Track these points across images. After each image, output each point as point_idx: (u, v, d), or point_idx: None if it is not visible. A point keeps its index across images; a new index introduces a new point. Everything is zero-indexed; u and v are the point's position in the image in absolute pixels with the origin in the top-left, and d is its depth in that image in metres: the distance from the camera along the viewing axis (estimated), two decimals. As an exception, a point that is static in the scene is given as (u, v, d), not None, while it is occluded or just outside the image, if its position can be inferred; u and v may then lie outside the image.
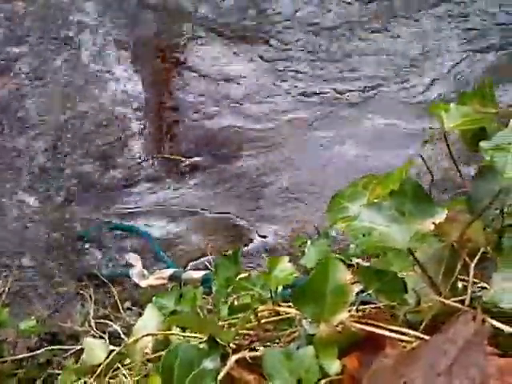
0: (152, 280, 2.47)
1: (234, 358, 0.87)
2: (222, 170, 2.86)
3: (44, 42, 3.22)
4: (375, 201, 0.98)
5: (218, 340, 0.89)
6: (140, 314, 2.55)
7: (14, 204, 2.91)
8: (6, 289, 2.66)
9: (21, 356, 2.04)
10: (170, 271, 2.41)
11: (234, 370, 0.89)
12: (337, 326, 0.90)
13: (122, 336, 2.31)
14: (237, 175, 2.85)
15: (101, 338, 2.42)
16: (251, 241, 2.69)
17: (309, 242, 1.65)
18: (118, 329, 2.37)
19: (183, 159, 2.90)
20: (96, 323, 2.47)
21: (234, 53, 3.17)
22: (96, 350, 1.19)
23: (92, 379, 1.12)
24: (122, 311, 2.60)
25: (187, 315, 0.86)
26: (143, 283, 2.49)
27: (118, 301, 2.61)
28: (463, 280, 0.96)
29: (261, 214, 2.73)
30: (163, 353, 1.14)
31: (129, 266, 2.64)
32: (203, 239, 2.75)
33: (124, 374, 1.11)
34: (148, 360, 1.14)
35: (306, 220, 2.67)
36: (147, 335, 1.15)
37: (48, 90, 3.12)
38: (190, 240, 2.77)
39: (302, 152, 2.87)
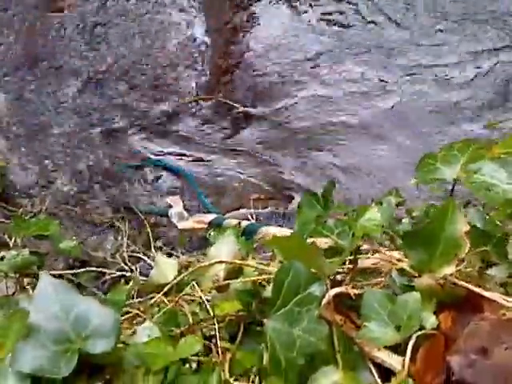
0: (191, 223, 2.44)
1: (333, 291, 0.83)
2: (274, 123, 2.81)
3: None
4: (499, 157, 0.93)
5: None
6: (170, 255, 2.56)
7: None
8: (43, 208, 2.65)
9: (61, 272, 2.02)
10: (211, 216, 2.38)
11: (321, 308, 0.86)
12: (440, 279, 0.86)
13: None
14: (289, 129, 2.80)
15: (131, 271, 2.42)
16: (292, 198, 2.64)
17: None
18: (152, 264, 2.37)
19: (239, 106, 2.84)
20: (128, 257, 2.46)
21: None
22: (166, 268, 1.16)
23: (159, 295, 1.10)
24: (152, 249, 2.58)
25: (294, 238, 0.82)
26: (181, 225, 2.46)
27: (151, 238, 2.59)
28: None
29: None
30: (233, 281, 1.11)
31: (169, 205, 2.60)
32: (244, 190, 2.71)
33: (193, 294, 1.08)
34: (218, 288, 1.11)
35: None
36: (220, 262, 1.12)
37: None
38: (229, 186, 2.73)
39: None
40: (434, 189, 1.52)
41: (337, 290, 0.83)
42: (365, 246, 1.13)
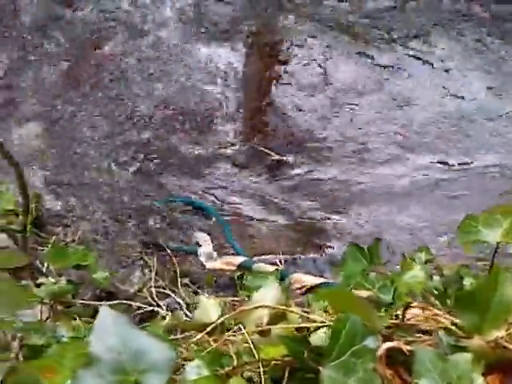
0: (220, 263, 2.46)
1: (386, 345, 0.85)
2: (307, 172, 2.85)
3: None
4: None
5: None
6: (196, 293, 2.58)
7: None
8: (76, 238, 2.70)
9: (91, 302, 2.05)
10: (240, 259, 2.40)
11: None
12: (491, 342, 0.88)
13: (184, 310, 2.32)
14: (322, 181, 2.84)
15: (158, 306, 2.44)
16: (326, 247, 2.66)
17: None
18: (181, 302, 2.39)
19: (272, 154, 2.90)
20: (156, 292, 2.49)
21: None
22: (210, 308, 1.19)
23: (203, 334, 1.12)
24: (179, 286, 2.60)
25: (341, 291, 0.84)
26: (210, 265, 2.49)
27: (178, 275, 2.61)
28: None
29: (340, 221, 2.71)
30: (276, 327, 1.13)
31: (197, 244, 2.63)
32: (273, 235, 2.74)
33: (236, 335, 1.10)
34: (261, 331, 1.13)
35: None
36: (265, 306, 1.14)
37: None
38: (260, 232, 2.76)
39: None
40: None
41: (390, 344, 0.85)
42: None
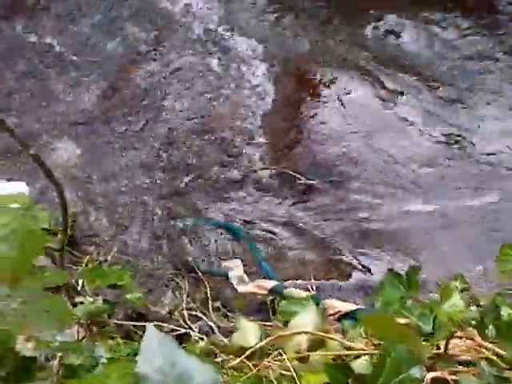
0: (251, 287, 2.47)
1: (431, 374, 0.85)
2: (336, 197, 2.86)
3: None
4: None
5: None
6: (227, 316, 2.58)
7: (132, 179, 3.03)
8: (109, 257, 2.74)
9: (124, 322, 2.07)
10: (272, 283, 2.41)
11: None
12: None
13: (217, 333, 2.33)
14: (348, 207, 2.84)
15: (190, 329, 2.45)
16: (349, 275, 2.65)
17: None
18: (213, 325, 2.40)
19: (301, 178, 2.92)
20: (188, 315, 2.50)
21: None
22: (248, 332, 1.20)
23: (240, 359, 1.13)
24: (210, 309, 2.60)
25: (386, 318, 0.84)
26: (241, 288, 2.50)
27: (210, 298, 2.62)
28: None
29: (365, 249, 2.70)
30: (316, 353, 1.14)
31: (229, 267, 2.65)
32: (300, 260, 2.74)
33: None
34: (300, 358, 1.13)
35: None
36: (305, 333, 1.15)
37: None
38: (287, 256, 2.76)
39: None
40: (505, 278, 1.52)
41: (435, 374, 0.85)
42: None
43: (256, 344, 1.18)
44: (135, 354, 1.94)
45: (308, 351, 1.15)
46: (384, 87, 3.27)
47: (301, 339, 1.16)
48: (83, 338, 1.81)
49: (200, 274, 2.68)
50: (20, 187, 0.82)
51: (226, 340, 1.82)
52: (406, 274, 1.19)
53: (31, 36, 3.66)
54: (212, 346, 1.46)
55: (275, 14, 3.65)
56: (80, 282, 2.22)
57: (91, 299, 1.76)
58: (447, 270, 2.37)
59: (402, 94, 3.24)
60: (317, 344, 1.16)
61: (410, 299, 1.24)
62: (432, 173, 2.95)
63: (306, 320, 1.20)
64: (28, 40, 3.64)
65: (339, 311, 1.97)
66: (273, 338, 1.16)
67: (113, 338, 2.03)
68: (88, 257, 2.71)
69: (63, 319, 1.01)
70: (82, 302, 1.78)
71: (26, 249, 0.77)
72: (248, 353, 1.16)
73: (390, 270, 1.22)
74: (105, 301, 1.83)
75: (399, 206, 2.85)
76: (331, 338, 1.13)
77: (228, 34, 3.58)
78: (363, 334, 1.34)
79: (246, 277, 2.54)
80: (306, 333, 1.15)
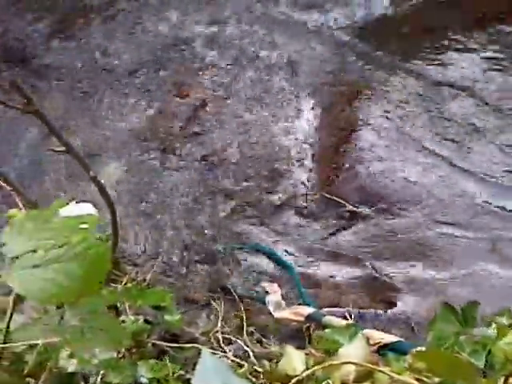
0: (288, 313, 2.46)
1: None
2: (381, 224, 2.85)
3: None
4: None
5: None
6: (260, 342, 2.57)
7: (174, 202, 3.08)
8: (148, 278, 2.77)
9: (161, 343, 2.08)
10: (309, 310, 2.39)
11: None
12: None
13: (252, 358, 2.32)
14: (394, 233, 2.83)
15: (224, 352, 2.45)
16: (394, 304, 2.61)
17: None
18: (248, 350, 2.38)
19: (346, 204, 2.91)
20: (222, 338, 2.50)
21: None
22: (295, 360, 1.20)
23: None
24: (245, 333, 2.60)
25: (444, 353, 0.84)
26: (278, 314, 2.49)
27: (245, 322, 2.61)
28: None
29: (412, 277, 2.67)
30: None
31: (266, 292, 2.64)
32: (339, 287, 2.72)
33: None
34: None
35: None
36: (353, 363, 1.15)
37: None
38: (327, 282, 2.75)
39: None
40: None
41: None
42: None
43: (303, 372, 1.18)
44: (173, 374, 1.94)
45: (355, 382, 1.14)
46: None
47: (349, 369, 1.16)
48: (123, 357, 1.83)
49: (236, 297, 2.68)
50: (88, 208, 0.85)
51: (267, 365, 1.81)
52: (463, 309, 1.18)
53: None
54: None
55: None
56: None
57: (133, 318, 1.78)
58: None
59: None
60: (365, 375, 1.15)
61: (464, 335, 1.22)
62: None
63: (352, 350, 1.20)
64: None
65: (379, 342, 1.94)
66: (320, 366, 1.15)
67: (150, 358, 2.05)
68: (127, 276, 2.74)
69: (118, 339, 1.03)
70: (123, 321, 1.80)
71: (95, 269, 0.80)
72: (294, 381, 1.16)
73: (445, 304, 1.21)
74: (145, 321, 1.86)
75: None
76: (380, 371, 1.12)
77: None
78: (408, 367, 1.33)
79: (283, 302, 2.54)
80: (355, 364, 1.14)
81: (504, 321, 1.78)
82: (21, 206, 1.88)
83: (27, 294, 0.89)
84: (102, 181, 3.04)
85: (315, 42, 3.70)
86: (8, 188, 1.93)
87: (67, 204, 0.92)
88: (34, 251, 0.84)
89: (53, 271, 0.83)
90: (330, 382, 1.11)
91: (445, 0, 3.74)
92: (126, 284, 2.55)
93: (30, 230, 0.86)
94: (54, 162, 3.20)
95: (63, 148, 1.14)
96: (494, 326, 1.95)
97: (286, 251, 2.85)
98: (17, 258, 0.86)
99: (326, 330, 1.54)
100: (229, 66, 3.63)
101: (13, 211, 1.55)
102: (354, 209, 2.91)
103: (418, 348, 1.19)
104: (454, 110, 3.27)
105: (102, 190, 1.20)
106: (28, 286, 0.86)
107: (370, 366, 1.14)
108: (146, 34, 3.87)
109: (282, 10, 3.87)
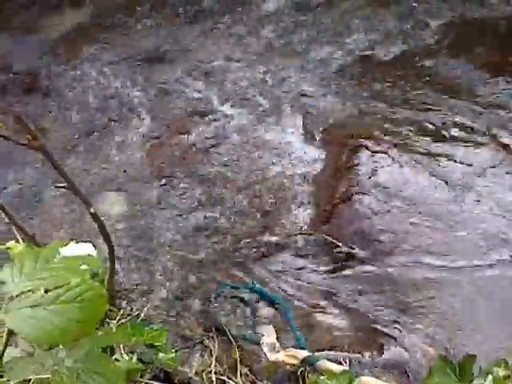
0: (282, 356, 2.43)
1: None
2: (375, 268, 2.84)
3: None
4: None
5: None
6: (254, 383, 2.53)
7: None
8: (141, 314, 2.74)
9: (153, 382, 2.05)
10: (304, 353, 2.36)
11: None
12: None
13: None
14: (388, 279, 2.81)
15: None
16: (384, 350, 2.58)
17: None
18: (242, 393, 2.35)
19: (341, 245, 2.91)
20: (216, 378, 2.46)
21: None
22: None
23: None
24: (238, 374, 2.56)
25: None
26: (273, 356, 2.46)
27: (239, 363, 2.58)
28: None
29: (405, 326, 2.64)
30: None
31: (261, 333, 2.62)
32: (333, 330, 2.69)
33: None
34: None
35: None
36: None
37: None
38: (321, 325, 2.72)
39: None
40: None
41: None
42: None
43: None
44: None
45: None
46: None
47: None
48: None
49: (231, 338, 2.65)
50: (88, 249, 0.85)
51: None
52: (460, 363, 1.17)
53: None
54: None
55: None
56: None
57: (127, 358, 1.76)
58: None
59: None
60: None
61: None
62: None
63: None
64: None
65: (375, 390, 1.92)
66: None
67: (142, 399, 2.02)
68: (121, 311, 2.71)
69: (113, 382, 1.02)
70: (117, 359, 1.78)
71: (93, 312, 0.79)
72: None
73: (442, 357, 1.20)
74: (139, 360, 1.83)
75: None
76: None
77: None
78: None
79: (278, 345, 2.51)
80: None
81: (500, 372, 1.76)
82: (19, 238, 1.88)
83: (22, 333, 0.88)
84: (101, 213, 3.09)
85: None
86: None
87: (67, 244, 0.93)
88: (33, 291, 0.84)
89: (50, 312, 0.82)
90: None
91: None
92: (119, 320, 2.53)
93: (30, 270, 0.86)
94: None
95: (66, 184, 1.15)
96: (490, 378, 1.93)
97: (280, 291, 2.83)
98: (16, 296, 0.86)
99: (321, 377, 1.52)
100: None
101: (12, 243, 1.55)
102: (350, 251, 2.91)
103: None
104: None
105: (101, 227, 1.20)
106: (24, 325, 0.86)
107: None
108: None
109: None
